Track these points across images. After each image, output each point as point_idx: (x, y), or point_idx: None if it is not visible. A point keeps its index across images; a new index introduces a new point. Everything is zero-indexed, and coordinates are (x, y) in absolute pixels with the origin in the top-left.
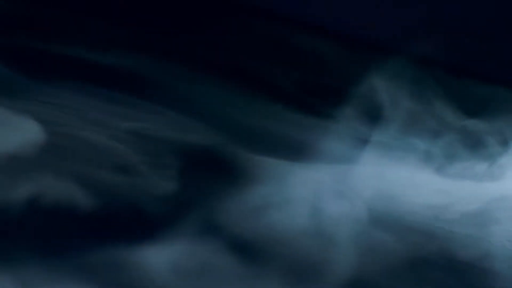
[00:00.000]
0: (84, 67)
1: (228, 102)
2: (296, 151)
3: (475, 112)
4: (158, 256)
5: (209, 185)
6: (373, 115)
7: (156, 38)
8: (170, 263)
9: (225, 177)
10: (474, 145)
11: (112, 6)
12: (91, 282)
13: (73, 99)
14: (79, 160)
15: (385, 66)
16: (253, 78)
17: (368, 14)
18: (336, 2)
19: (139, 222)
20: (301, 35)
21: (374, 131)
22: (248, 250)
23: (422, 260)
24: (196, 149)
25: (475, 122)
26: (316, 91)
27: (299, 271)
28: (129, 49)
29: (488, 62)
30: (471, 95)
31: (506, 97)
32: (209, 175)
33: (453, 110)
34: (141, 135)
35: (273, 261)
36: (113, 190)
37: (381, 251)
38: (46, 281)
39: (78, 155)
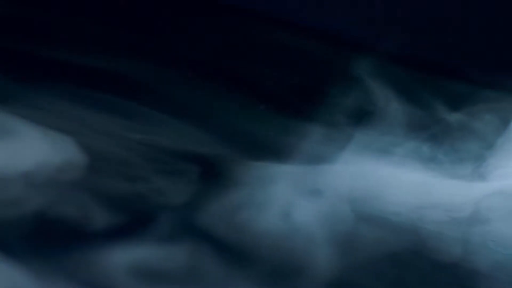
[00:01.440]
0: (72, 70)
1: (212, 103)
2: (279, 152)
3: (457, 110)
4: (135, 257)
5: (192, 187)
6: (357, 115)
7: (142, 39)
8: (150, 265)
9: (207, 179)
10: (459, 144)
11: (98, 7)
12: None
13: (69, 105)
14: (93, 171)
15: (367, 65)
16: (238, 79)
17: (348, 11)
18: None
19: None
20: (282, 34)
21: (357, 131)
22: (229, 251)
23: (404, 261)
24: (175, 150)
25: (458, 121)
26: (299, 91)
27: (280, 271)
28: (116, 51)
29: (467, 60)
30: (452, 93)
31: (486, 96)
32: (192, 178)
33: (435, 108)
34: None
35: (254, 262)
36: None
37: (363, 251)
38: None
39: (91, 166)
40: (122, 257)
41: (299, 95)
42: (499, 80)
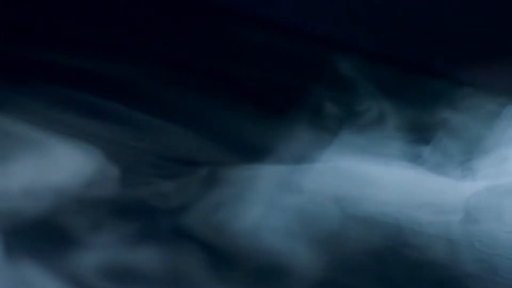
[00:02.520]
0: (60, 72)
1: (199, 104)
2: (265, 152)
3: (441, 109)
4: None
5: (177, 189)
6: (343, 115)
7: (129, 40)
8: (132, 266)
9: (192, 180)
10: (445, 143)
11: (85, 8)
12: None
13: (62, 111)
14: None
15: (352, 65)
16: (225, 79)
17: (333, 12)
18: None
19: None
20: (268, 35)
21: (343, 131)
22: (213, 251)
23: (390, 261)
24: (160, 151)
25: (443, 119)
26: (286, 92)
27: (264, 272)
28: (102, 52)
29: (446, 58)
30: (435, 92)
31: (466, 93)
32: (177, 179)
33: (420, 107)
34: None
35: (238, 263)
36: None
37: (348, 251)
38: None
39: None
40: (108, 258)
41: (286, 96)
42: (477, 77)
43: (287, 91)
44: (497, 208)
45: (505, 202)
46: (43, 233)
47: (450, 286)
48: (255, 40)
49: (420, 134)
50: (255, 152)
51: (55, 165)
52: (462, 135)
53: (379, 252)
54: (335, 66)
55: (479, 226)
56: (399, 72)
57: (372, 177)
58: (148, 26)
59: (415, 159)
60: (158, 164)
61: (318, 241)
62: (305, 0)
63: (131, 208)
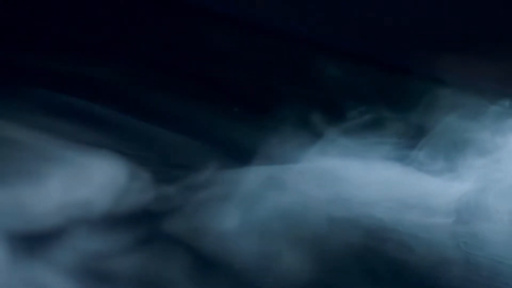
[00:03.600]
0: (40, 74)
1: (185, 106)
2: (251, 153)
3: (422, 108)
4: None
5: (164, 190)
6: (328, 116)
7: (112, 42)
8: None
9: (178, 180)
10: (431, 144)
11: (73, 11)
12: None
13: (50, 116)
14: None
15: (335, 65)
16: (211, 81)
17: (317, 14)
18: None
19: None
20: (250, 36)
21: (325, 131)
22: (196, 254)
23: (375, 262)
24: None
25: (424, 118)
26: (265, 92)
27: (250, 272)
28: (86, 55)
29: (419, 57)
30: (413, 91)
31: (446, 93)
32: (163, 180)
33: (403, 107)
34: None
35: (222, 264)
36: None
37: (332, 251)
38: None
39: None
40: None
41: (271, 97)
42: (459, 77)
43: (272, 93)
44: (484, 209)
45: (492, 203)
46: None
47: (434, 287)
48: (238, 42)
49: (407, 135)
50: (240, 154)
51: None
52: (449, 135)
53: (364, 253)
54: (318, 67)
55: (465, 227)
56: (382, 73)
57: (358, 178)
58: (135, 29)
59: (402, 160)
60: (144, 168)
61: (304, 242)
62: (287, 2)
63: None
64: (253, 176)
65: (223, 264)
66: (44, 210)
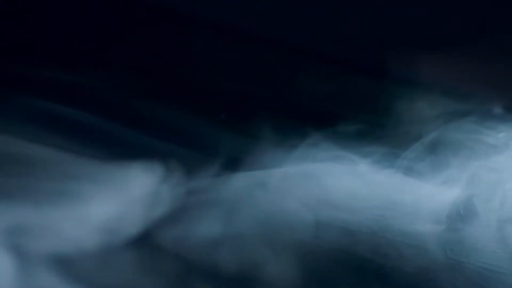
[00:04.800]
0: (27, 83)
1: (171, 113)
2: (233, 160)
3: (403, 114)
4: None
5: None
6: (313, 120)
7: (94, 48)
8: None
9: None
10: (418, 150)
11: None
12: None
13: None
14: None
15: (316, 70)
16: (196, 88)
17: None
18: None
19: None
20: (224, 41)
21: (311, 137)
22: (182, 262)
23: (362, 269)
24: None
25: (408, 125)
26: (250, 99)
27: (237, 280)
28: (66, 61)
29: (395, 61)
30: (385, 93)
31: (425, 96)
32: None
33: (384, 112)
34: None
35: (209, 271)
36: None
37: (318, 258)
38: None
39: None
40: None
41: (256, 104)
42: (422, 77)
43: (257, 99)
44: (472, 216)
45: (480, 210)
46: None
47: None
48: (225, 49)
49: (395, 141)
50: (227, 161)
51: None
52: (438, 141)
53: (351, 260)
54: (303, 73)
55: (453, 234)
56: (367, 79)
57: (345, 184)
58: (122, 36)
59: (390, 166)
60: (130, 175)
61: (290, 249)
62: (269, 9)
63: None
64: (239, 182)
65: (209, 272)
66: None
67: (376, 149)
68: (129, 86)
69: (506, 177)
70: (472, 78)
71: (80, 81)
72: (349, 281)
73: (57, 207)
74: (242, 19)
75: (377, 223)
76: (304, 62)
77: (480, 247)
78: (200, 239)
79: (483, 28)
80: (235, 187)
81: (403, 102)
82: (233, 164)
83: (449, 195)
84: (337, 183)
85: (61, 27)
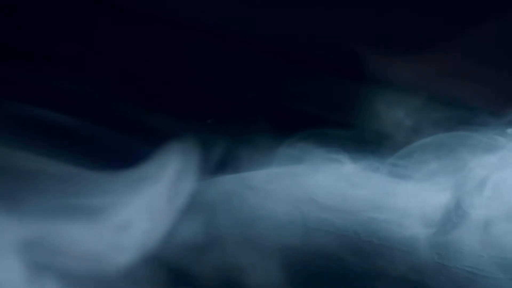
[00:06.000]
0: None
1: (159, 118)
2: (221, 164)
3: (394, 117)
4: None
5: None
6: (294, 124)
7: (80, 53)
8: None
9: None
10: (405, 153)
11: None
12: None
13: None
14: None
15: (295, 74)
16: (182, 92)
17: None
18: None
19: None
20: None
21: (299, 140)
22: (172, 266)
23: (348, 275)
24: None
25: (392, 126)
26: (237, 102)
27: (216, 282)
28: (53, 66)
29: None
30: (381, 99)
31: (415, 101)
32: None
33: (370, 115)
34: None
35: (196, 277)
36: None
37: (306, 262)
38: None
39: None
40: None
41: (243, 107)
42: (411, 80)
43: (243, 102)
44: (460, 220)
45: (469, 214)
46: None
47: None
48: (212, 54)
49: (383, 144)
50: (215, 164)
51: None
52: (426, 145)
53: (338, 264)
54: (289, 76)
55: (441, 238)
56: (351, 82)
57: (333, 187)
58: (109, 41)
59: (378, 169)
60: (125, 181)
61: (276, 252)
62: (252, 11)
63: None
64: (226, 185)
65: (197, 277)
66: None
67: (365, 152)
68: (118, 91)
69: (495, 180)
70: (460, 79)
71: (68, 86)
72: (336, 285)
73: (61, 222)
74: (226, 22)
75: (365, 226)
76: (291, 65)
77: (467, 251)
78: (185, 243)
79: (470, 28)
80: (222, 190)
81: (391, 105)
82: (219, 166)
83: (437, 199)
84: (325, 186)
85: (50, 31)
